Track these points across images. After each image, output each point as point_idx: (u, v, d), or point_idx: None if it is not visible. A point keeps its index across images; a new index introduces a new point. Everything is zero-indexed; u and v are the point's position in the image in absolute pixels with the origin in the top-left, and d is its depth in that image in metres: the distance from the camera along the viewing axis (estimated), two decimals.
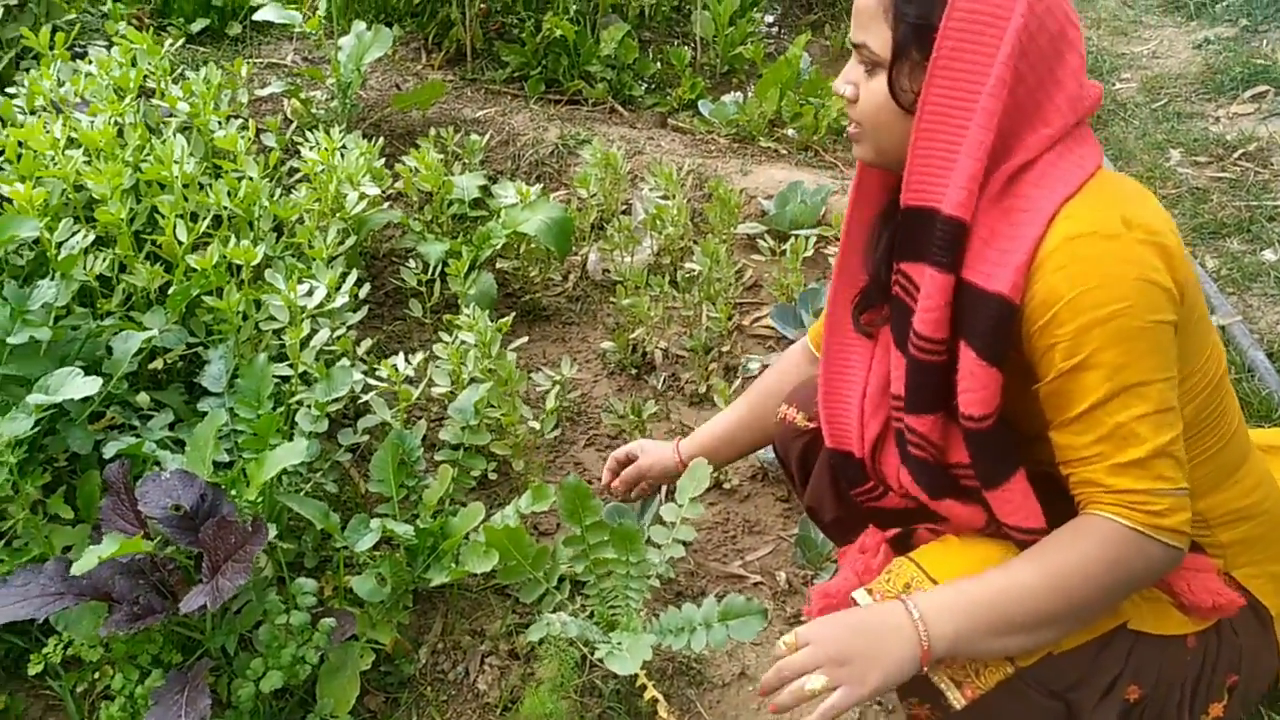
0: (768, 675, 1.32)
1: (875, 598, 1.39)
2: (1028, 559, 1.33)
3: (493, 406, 2.26)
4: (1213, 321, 1.61)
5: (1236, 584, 1.44)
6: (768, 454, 2.40)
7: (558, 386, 2.47)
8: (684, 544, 1.99)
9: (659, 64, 3.91)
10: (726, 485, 2.41)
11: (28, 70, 2.82)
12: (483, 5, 3.73)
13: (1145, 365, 1.26)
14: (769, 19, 4.42)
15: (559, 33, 3.65)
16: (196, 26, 3.73)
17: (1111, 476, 1.28)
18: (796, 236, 2.88)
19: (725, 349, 2.74)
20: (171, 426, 2.14)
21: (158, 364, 2.26)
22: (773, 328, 2.77)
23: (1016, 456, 1.37)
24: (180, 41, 3.59)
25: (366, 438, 2.21)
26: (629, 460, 2.09)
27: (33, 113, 2.55)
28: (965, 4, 1.27)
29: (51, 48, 2.72)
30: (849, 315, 1.57)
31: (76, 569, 1.56)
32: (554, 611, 1.96)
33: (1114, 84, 4.11)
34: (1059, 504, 1.37)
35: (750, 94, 3.68)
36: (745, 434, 1.99)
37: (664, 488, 2.39)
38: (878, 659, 1.28)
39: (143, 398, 2.15)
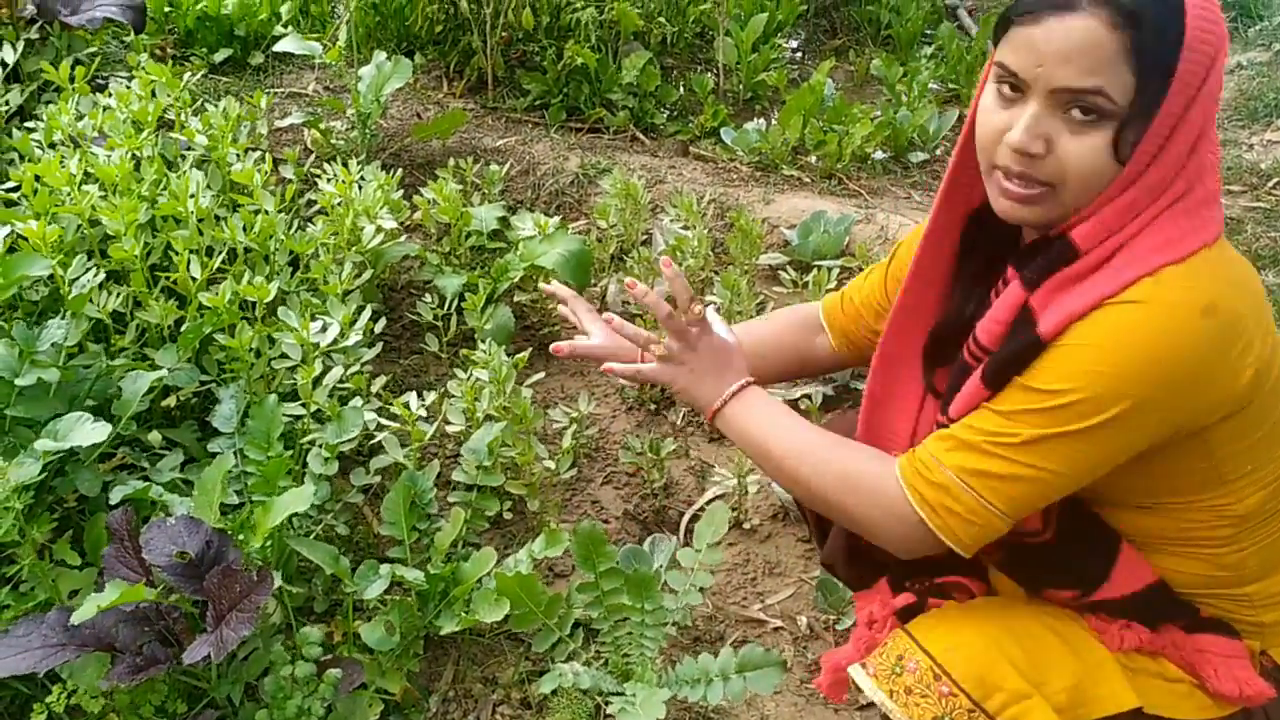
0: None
1: (869, 672, 1.35)
2: (826, 436, 1.38)
3: (507, 445, 2.22)
4: None
5: (1272, 661, 1.37)
6: (786, 493, 2.35)
7: (574, 424, 2.43)
8: (701, 590, 1.94)
9: (681, 91, 3.88)
10: (747, 525, 2.36)
11: (49, 103, 2.82)
12: (504, 34, 3.71)
13: (1077, 436, 1.19)
14: (793, 45, 4.38)
15: (580, 60, 3.63)
16: (219, 56, 3.72)
17: (936, 440, 1.28)
18: (819, 268, 2.83)
19: None
20: (184, 465, 2.12)
21: (170, 401, 2.24)
22: None
23: None
24: (203, 72, 3.60)
25: (379, 478, 2.18)
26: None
27: (51, 146, 2.55)
28: (1194, 44, 1.14)
29: (72, 81, 2.72)
30: (911, 354, 1.48)
31: (76, 618, 1.54)
32: (567, 660, 1.92)
33: None
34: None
35: (773, 121, 3.64)
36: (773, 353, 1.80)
37: (683, 530, 2.35)
38: (694, 385, 1.45)
39: (155, 436, 2.13)
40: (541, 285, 2.05)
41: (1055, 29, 1.15)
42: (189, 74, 2.89)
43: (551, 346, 1.60)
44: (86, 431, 1.72)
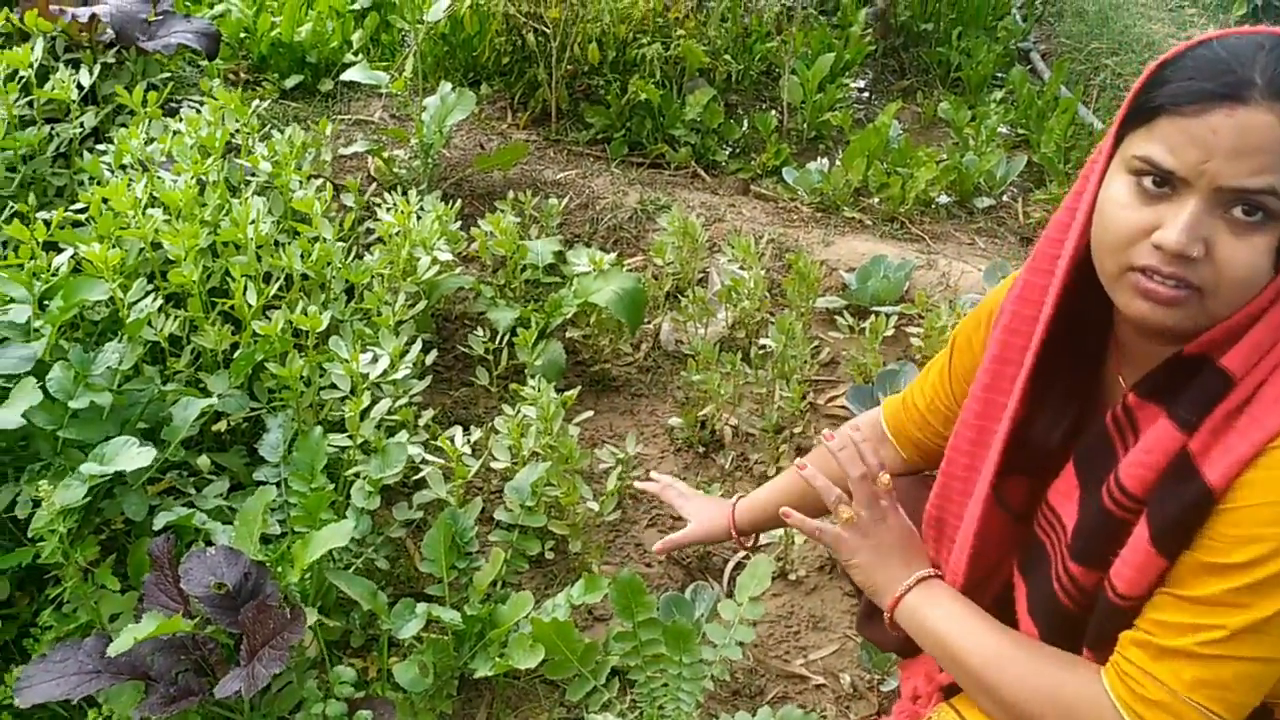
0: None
1: None
2: (1019, 641, 1.27)
3: (552, 485, 2.20)
4: None
5: None
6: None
7: (620, 466, 2.40)
8: (741, 645, 1.90)
9: (744, 129, 3.86)
10: (792, 576, 2.31)
11: (122, 126, 2.88)
12: (569, 67, 3.73)
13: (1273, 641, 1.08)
14: (860, 85, 4.34)
15: (644, 96, 3.63)
16: (290, 83, 3.79)
17: (1135, 649, 1.15)
18: (877, 314, 2.78)
19: (797, 429, 2.65)
20: (231, 491, 2.13)
21: (221, 426, 2.26)
22: (848, 409, 2.67)
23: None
24: (273, 98, 3.66)
25: (421, 513, 2.17)
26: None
27: (121, 169, 2.60)
28: None
29: (144, 105, 2.77)
30: (977, 471, 1.36)
31: (113, 650, 1.54)
32: (602, 709, 1.89)
33: None
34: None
35: (837, 161, 3.61)
36: (800, 507, 1.77)
37: (726, 578, 2.31)
38: (876, 566, 1.41)
39: (203, 461, 2.14)
40: (638, 485, 2.21)
41: (1224, 124, 1.05)
42: (257, 100, 2.93)
43: (654, 546, 1.81)
44: (132, 456, 1.73)
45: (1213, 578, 1.10)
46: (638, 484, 2.14)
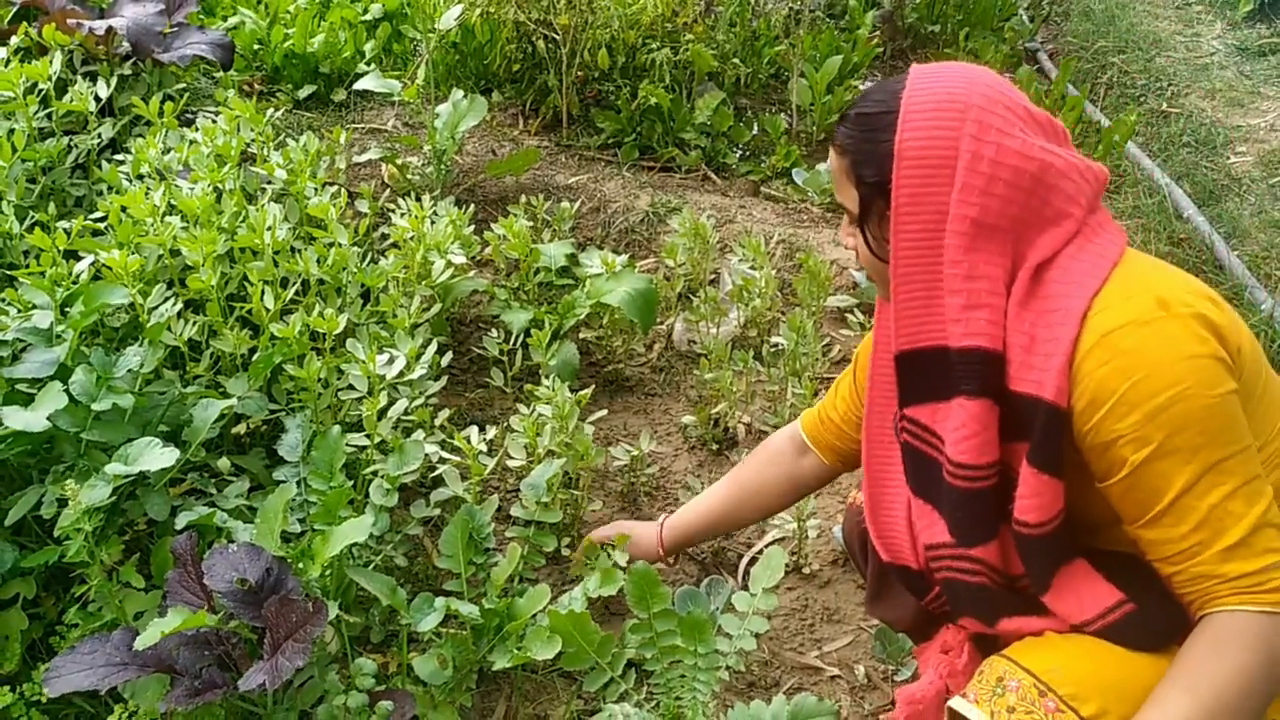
0: None
1: (971, 698, 1.36)
2: (1179, 686, 1.24)
3: (575, 490, 2.23)
4: None
5: None
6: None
7: (635, 462, 2.42)
8: (756, 635, 1.92)
9: (754, 131, 3.89)
10: (806, 570, 2.33)
11: (139, 137, 2.92)
12: (580, 73, 3.76)
13: (1222, 440, 1.23)
14: (868, 87, 4.36)
15: (654, 100, 3.66)
16: (304, 93, 3.83)
17: (1222, 565, 1.24)
18: None
19: None
20: (251, 492, 2.17)
21: (241, 428, 2.29)
22: None
23: (1067, 555, 1.36)
24: (287, 108, 3.70)
25: (439, 510, 2.19)
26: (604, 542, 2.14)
27: (139, 178, 2.64)
28: (912, 151, 1.32)
29: (161, 115, 2.82)
30: (887, 431, 1.57)
31: (140, 643, 1.57)
32: (619, 700, 1.91)
33: (1229, 158, 3.93)
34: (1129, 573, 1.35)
35: None
36: (724, 524, 2.10)
37: (740, 573, 2.33)
38: None
39: (224, 463, 2.17)
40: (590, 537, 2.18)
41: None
42: (272, 110, 2.97)
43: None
44: (156, 456, 1.76)
45: (1152, 474, 1.25)
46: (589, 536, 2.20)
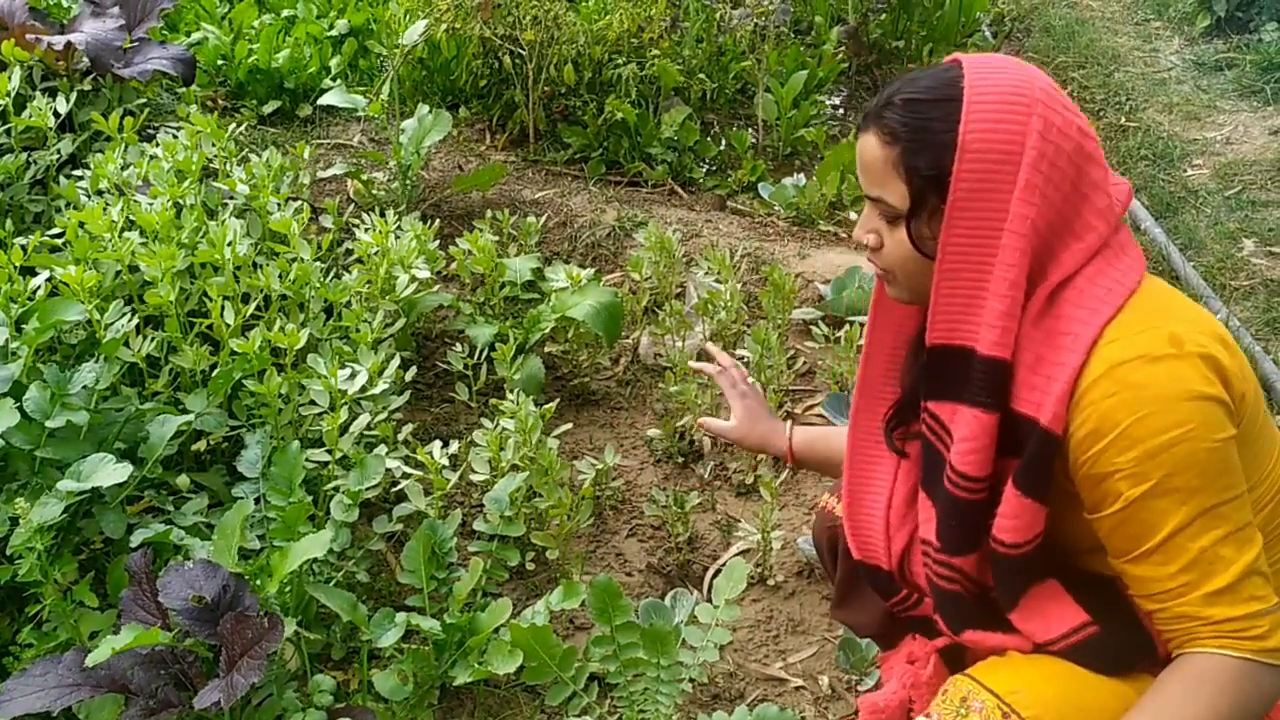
0: None
1: (935, 718, 1.34)
2: (1149, 717, 1.25)
3: (539, 495, 2.22)
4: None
5: None
6: (814, 549, 2.31)
7: (599, 475, 2.42)
8: (720, 647, 1.92)
9: (721, 146, 3.90)
10: (771, 581, 2.33)
11: (99, 153, 2.90)
12: (546, 88, 3.77)
13: (1219, 485, 1.22)
14: (835, 102, 4.39)
15: (620, 115, 3.67)
16: (269, 108, 3.82)
17: (1207, 608, 1.23)
18: (851, 323, 2.81)
19: None
20: (211, 509, 2.14)
21: (201, 445, 2.27)
22: (824, 416, 2.70)
23: (1040, 575, 1.35)
24: (252, 123, 3.69)
25: (401, 526, 2.18)
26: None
27: (98, 194, 2.62)
28: (977, 145, 1.25)
29: (121, 131, 2.80)
30: (875, 429, 1.55)
31: (91, 660, 1.55)
32: (581, 714, 1.90)
33: (1185, 170, 3.98)
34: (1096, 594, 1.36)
35: (812, 177, 3.65)
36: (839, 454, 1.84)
37: (705, 585, 2.32)
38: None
39: (183, 480, 2.15)
40: (709, 349, 1.97)
41: (858, 146, 1.36)
42: (234, 125, 2.96)
43: (698, 422, 1.84)
44: (109, 473, 1.74)
45: (1146, 510, 1.23)
46: (692, 364, 1.98)
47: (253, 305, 2.36)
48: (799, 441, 1.85)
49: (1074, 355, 1.24)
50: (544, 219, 3.24)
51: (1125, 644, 1.34)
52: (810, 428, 1.88)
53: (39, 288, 2.21)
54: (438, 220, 2.99)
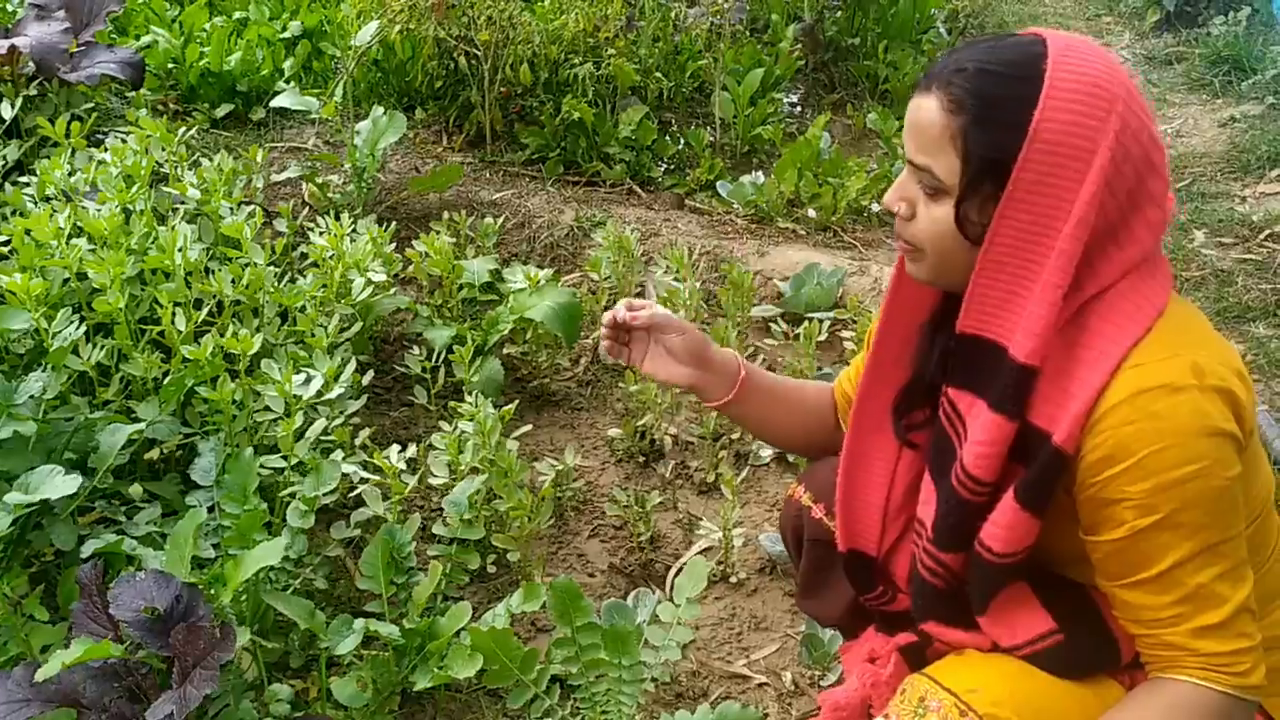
0: None
1: (893, 719, 1.35)
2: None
3: (500, 498, 2.20)
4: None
5: (1266, 715, 1.35)
6: (775, 546, 2.32)
7: (559, 476, 2.41)
8: (682, 645, 1.91)
9: (679, 145, 3.90)
10: (733, 579, 2.33)
11: (46, 159, 2.85)
12: (503, 89, 3.75)
13: (1223, 524, 1.21)
14: (791, 99, 4.41)
15: (578, 115, 3.66)
16: (221, 112, 3.77)
17: (1196, 640, 1.23)
18: (811, 320, 2.82)
19: (735, 436, 2.67)
20: (165, 518, 2.11)
21: (154, 454, 2.24)
22: None
23: (1013, 580, 1.33)
24: (204, 127, 3.64)
25: (359, 531, 2.16)
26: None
27: (45, 200, 2.57)
28: (1049, 136, 1.18)
29: (68, 136, 2.75)
30: (881, 414, 1.49)
31: (40, 675, 1.52)
32: (544, 716, 1.89)
33: None
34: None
35: (770, 174, 3.65)
36: (780, 399, 1.70)
37: (668, 585, 2.32)
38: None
39: (136, 489, 2.12)
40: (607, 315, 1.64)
41: (912, 105, 1.26)
42: (185, 129, 2.92)
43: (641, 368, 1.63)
44: (57, 484, 1.71)
45: (1149, 541, 1.21)
46: (607, 314, 1.64)
47: (205, 311, 2.33)
48: (752, 370, 1.66)
49: (1097, 375, 1.20)
50: (502, 220, 3.22)
51: (1088, 652, 1.33)
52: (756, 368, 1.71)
53: None
54: (394, 223, 2.96)
